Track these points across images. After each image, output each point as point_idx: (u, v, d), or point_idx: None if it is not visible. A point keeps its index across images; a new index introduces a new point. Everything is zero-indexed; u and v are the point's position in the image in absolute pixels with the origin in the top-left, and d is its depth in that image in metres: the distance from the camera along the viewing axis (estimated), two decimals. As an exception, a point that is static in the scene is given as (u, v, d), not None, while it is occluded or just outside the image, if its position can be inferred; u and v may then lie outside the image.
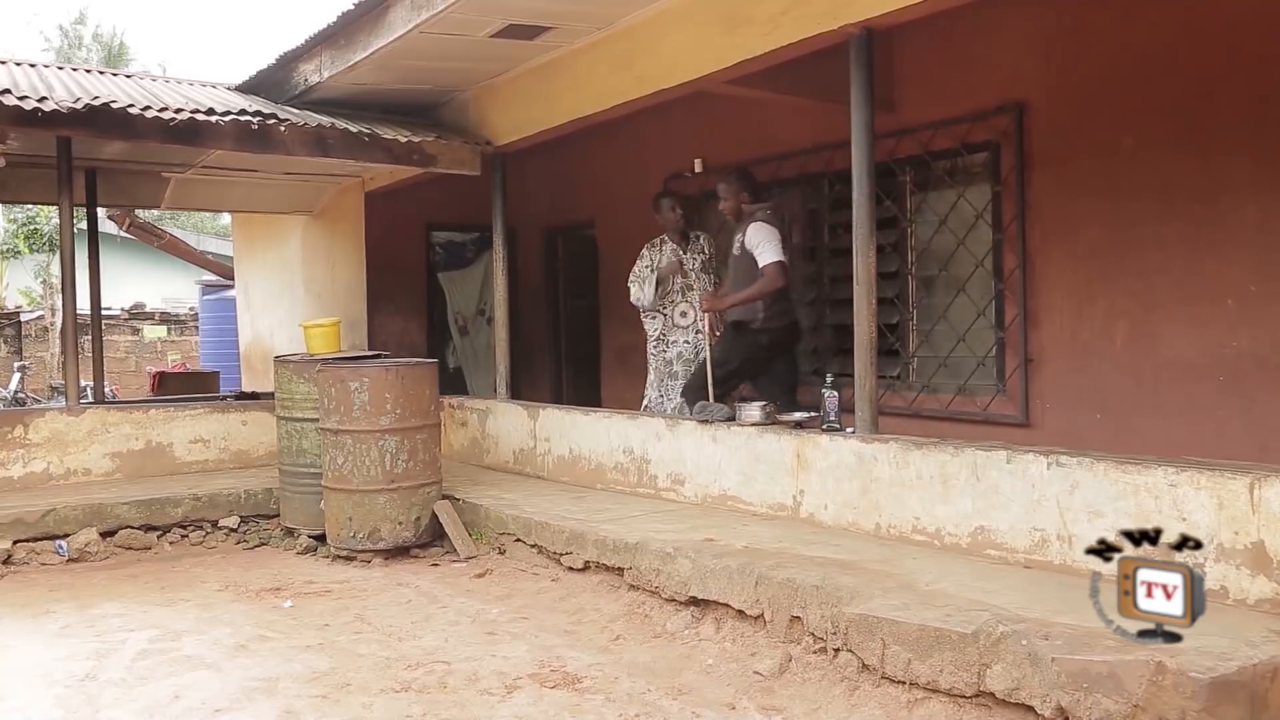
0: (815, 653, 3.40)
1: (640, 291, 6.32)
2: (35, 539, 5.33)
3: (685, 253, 6.28)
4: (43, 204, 12.37)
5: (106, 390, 9.77)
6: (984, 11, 5.11)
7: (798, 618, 3.49)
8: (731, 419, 5.06)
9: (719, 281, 6.34)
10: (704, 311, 5.87)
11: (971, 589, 3.35)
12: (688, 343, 6.23)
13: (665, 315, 6.29)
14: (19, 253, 18.08)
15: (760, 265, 5.53)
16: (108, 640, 3.98)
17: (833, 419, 4.76)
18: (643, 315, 6.53)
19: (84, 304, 8.05)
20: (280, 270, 9.59)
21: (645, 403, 6.45)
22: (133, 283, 17.44)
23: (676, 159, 7.72)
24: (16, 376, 12.54)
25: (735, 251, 5.81)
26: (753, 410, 5.02)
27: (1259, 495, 3.08)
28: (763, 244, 5.54)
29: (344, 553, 5.36)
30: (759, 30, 4.83)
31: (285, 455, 5.86)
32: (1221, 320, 4.83)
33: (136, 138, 6.14)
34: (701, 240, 6.44)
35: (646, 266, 6.34)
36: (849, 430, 4.58)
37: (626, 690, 3.33)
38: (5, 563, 5.19)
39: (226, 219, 16.18)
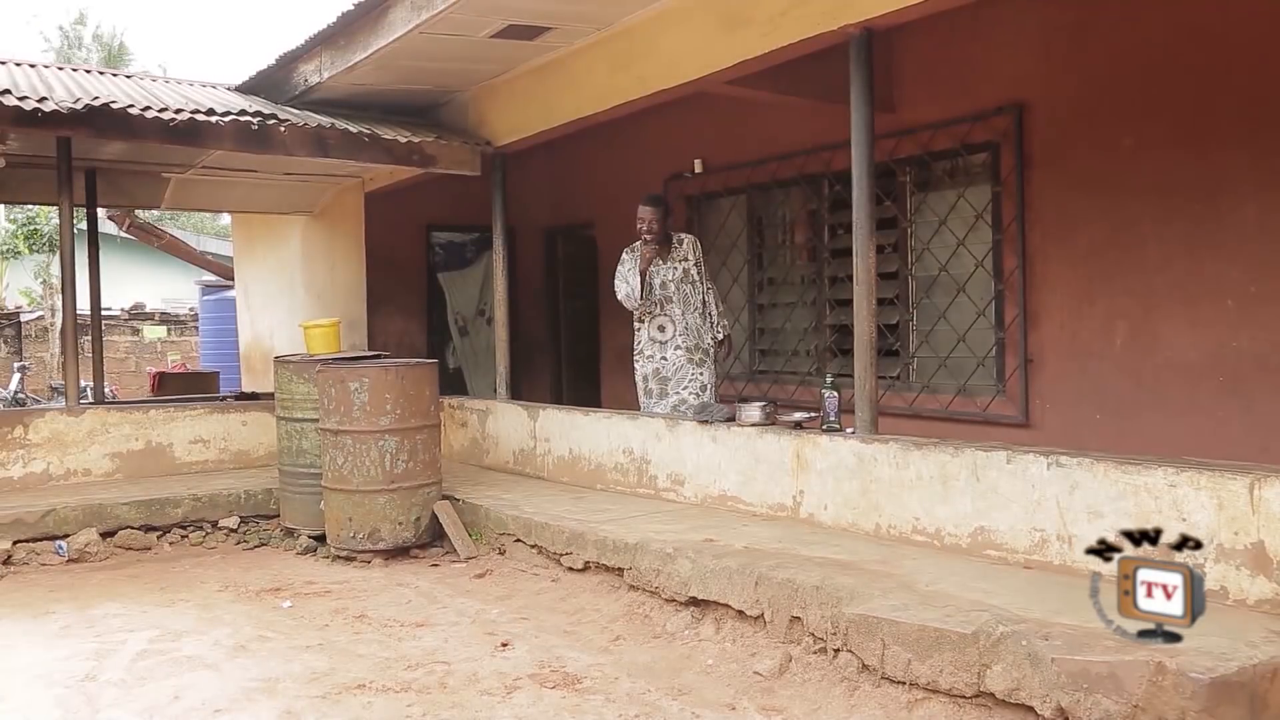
0: (815, 653, 3.40)
1: (628, 286, 5.82)
2: (35, 539, 5.32)
3: (665, 262, 5.83)
4: (43, 204, 12.35)
5: (106, 391, 9.76)
6: (984, 11, 5.12)
7: (798, 618, 3.49)
8: (731, 419, 5.06)
9: (711, 288, 5.99)
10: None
11: (971, 589, 3.35)
12: (664, 359, 5.84)
13: (643, 326, 5.92)
14: (19, 253, 18.06)
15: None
16: (107, 641, 3.97)
17: (833, 419, 4.75)
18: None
19: (84, 304, 8.05)
20: (280, 270, 9.58)
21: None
22: (133, 283, 17.44)
23: (676, 159, 7.73)
24: (16, 377, 12.53)
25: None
26: (753, 410, 5.02)
27: (1259, 495, 3.08)
28: None
29: (344, 553, 5.36)
30: (759, 30, 4.83)
31: (285, 455, 5.86)
32: (1221, 320, 4.84)
33: (136, 138, 6.14)
34: (685, 245, 5.92)
35: (629, 270, 5.94)
36: (849, 430, 4.58)
37: (626, 691, 3.33)
38: (5, 563, 5.19)
39: (226, 219, 16.15)
